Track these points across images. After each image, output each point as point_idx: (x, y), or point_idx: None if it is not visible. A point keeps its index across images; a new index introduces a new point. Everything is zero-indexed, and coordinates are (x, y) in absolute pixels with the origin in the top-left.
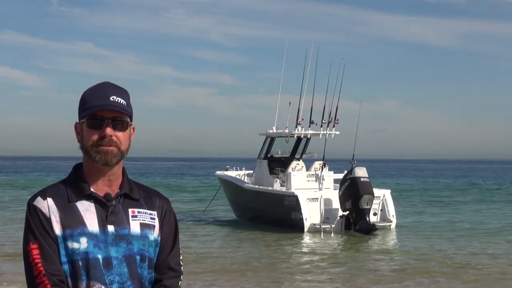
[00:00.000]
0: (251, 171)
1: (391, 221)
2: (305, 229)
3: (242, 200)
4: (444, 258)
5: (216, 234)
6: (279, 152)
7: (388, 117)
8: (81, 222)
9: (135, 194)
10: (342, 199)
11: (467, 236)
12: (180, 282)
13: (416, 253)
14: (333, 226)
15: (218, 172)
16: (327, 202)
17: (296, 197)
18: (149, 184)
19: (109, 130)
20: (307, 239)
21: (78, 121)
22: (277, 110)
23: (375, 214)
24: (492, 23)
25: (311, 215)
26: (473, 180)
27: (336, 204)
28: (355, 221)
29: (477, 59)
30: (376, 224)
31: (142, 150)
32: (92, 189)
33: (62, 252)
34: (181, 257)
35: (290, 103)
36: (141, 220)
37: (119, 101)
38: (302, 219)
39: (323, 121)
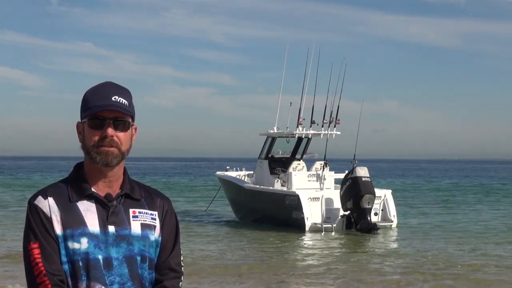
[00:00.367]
0: (252, 172)
1: (392, 221)
2: (306, 229)
3: (242, 200)
4: (444, 258)
5: (216, 234)
6: (280, 152)
7: (388, 117)
8: (82, 222)
9: (136, 194)
10: (343, 199)
11: (469, 237)
12: (180, 283)
13: (417, 254)
14: (334, 225)
15: (218, 173)
16: (328, 201)
17: (297, 196)
18: (152, 184)
19: (110, 131)
20: (308, 238)
21: (80, 120)
22: (278, 110)
23: (376, 214)
24: (492, 23)
25: (312, 214)
26: (475, 180)
27: (337, 203)
28: (356, 220)
29: (477, 59)
30: (377, 224)
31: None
32: (93, 189)
33: (63, 252)
34: (181, 258)
35: (291, 103)
36: (142, 221)
37: (121, 101)
38: (303, 218)
39: (324, 121)
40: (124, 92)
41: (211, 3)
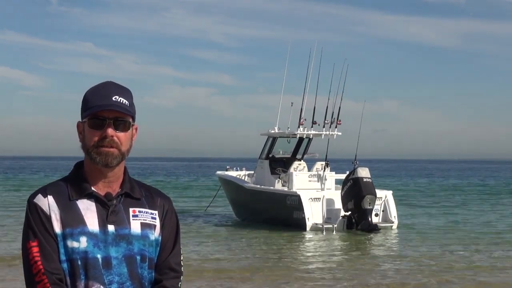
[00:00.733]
0: (252, 172)
1: (392, 222)
2: (307, 229)
3: (243, 200)
4: (446, 259)
5: (216, 235)
6: (281, 152)
7: (388, 117)
8: (81, 221)
9: (136, 193)
10: (344, 199)
11: (470, 238)
12: (180, 282)
13: (418, 255)
14: (335, 226)
15: (219, 172)
16: (329, 202)
17: (298, 196)
18: (152, 184)
19: (110, 131)
20: (309, 239)
21: (80, 120)
22: (279, 110)
23: (376, 215)
24: (492, 23)
25: (313, 215)
26: (477, 180)
27: (338, 204)
28: (357, 221)
29: (477, 59)
30: (378, 225)
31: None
32: (93, 188)
33: (62, 250)
34: (181, 258)
35: (292, 103)
36: (142, 220)
37: (121, 101)
38: (304, 218)
39: (326, 121)
40: (124, 92)
41: (211, 3)
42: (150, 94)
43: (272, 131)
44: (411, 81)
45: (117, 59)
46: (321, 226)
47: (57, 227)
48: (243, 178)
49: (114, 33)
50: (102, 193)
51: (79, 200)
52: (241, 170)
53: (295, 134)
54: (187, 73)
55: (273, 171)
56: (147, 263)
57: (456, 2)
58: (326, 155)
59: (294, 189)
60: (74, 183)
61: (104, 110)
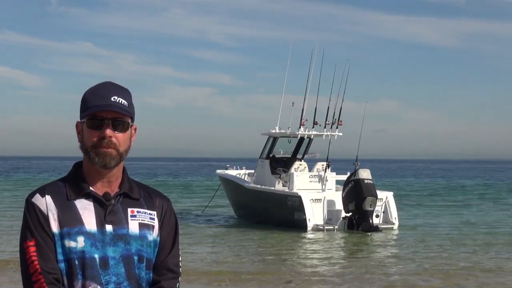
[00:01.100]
0: (252, 171)
1: (393, 223)
2: (308, 230)
3: (243, 199)
4: (447, 261)
5: (216, 235)
6: (282, 152)
7: (388, 117)
8: (79, 220)
9: (135, 193)
10: (345, 201)
11: (471, 239)
12: (178, 283)
13: (420, 255)
14: (336, 227)
15: (219, 171)
16: (330, 203)
17: (299, 197)
18: (152, 184)
19: (109, 131)
20: (310, 240)
21: (79, 120)
22: (280, 110)
23: (377, 216)
24: (492, 23)
25: (314, 216)
26: (479, 180)
27: (339, 205)
28: (358, 222)
29: (477, 59)
30: (379, 226)
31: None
32: (91, 188)
33: (59, 250)
34: (180, 258)
35: (293, 103)
36: (140, 220)
37: (120, 102)
38: (305, 219)
39: (327, 122)
40: (123, 92)
41: (211, 3)
42: (150, 94)
43: (273, 131)
44: (411, 81)
45: (117, 59)
46: (322, 227)
47: (55, 227)
48: (243, 177)
49: (114, 33)
50: (100, 193)
51: (77, 200)
52: (241, 169)
53: (297, 134)
54: (187, 73)
55: (273, 171)
56: (144, 263)
57: (456, 2)
58: (328, 156)
59: (295, 190)
60: (73, 183)
61: (102, 110)
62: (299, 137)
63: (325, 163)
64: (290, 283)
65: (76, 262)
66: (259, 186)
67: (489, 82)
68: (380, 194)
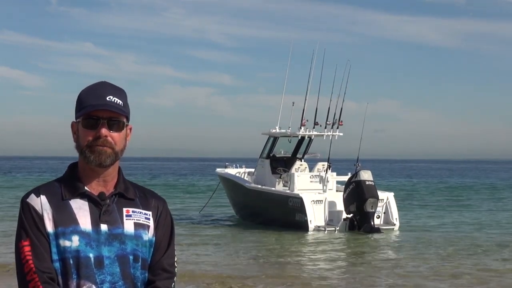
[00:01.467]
0: (252, 170)
1: (394, 224)
2: (310, 231)
3: (244, 199)
4: (449, 261)
5: (215, 235)
6: (282, 152)
7: (388, 117)
8: (73, 220)
9: (130, 193)
10: (347, 202)
11: (471, 239)
12: (173, 283)
13: (421, 256)
14: (337, 228)
15: (218, 170)
16: (331, 204)
17: (300, 199)
18: (151, 184)
19: (104, 131)
20: (312, 241)
21: (74, 120)
22: (280, 110)
23: (378, 217)
24: (492, 23)
25: (315, 217)
26: (481, 180)
27: (340, 206)
28: (359, 224)
29: (477, 59)
30: (380, 227)
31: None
32: (86, 188)
33: (54, 250)
34: (175, 259)
35: (293, 103)
36: (135, 220)
37: (115, 101)
38: (306, 221)
39: (328, 122)
40: (119, 92)
41: (211, 3)
42: (150, 94)
43: (274, 131)
44: (411, 81)
45: (117, 59)
46: (323, 228)
47: (49, 227)
48: (242, 176)
49: (113, 33)
50: (95, 193)
51: (72, 200)
52: (240, 167)
53: (297, 134)
54: (187, 73)
55: (274, 171)
56: (140, 263)
57: (456, 2)
58: (329, 157)
59: (295, 190)
60: (68, 183)
61: (98, 110)
62: (300, 137)
63: (325, 163)
64: (292, 286)
65: (71, 262)
66: (260, 186)
67: (489, 82)
68: (381, 194)
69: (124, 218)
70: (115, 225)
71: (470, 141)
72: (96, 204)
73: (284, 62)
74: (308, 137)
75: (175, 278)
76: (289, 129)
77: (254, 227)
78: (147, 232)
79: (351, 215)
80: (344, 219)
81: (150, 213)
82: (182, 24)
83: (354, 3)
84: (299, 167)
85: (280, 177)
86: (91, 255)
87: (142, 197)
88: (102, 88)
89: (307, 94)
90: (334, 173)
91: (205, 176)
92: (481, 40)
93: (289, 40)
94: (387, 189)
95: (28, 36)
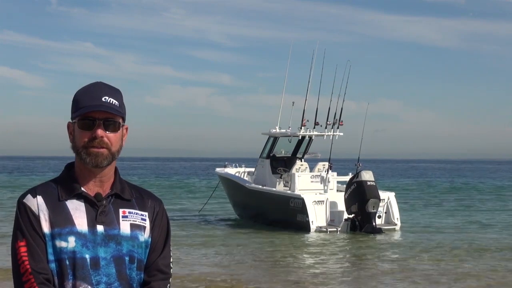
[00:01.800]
0: (252, 169)
1: (395, 224)
2: (311, 232)
3: (244, 199)
4: (451, 261)
5: (215, 236)
6: (283, 152)
7: (388, 117)
8: (70, 221)
9: (127, 194)
10: (348, 202)
11: (471, 239)
12: (168, 284)
13: (422, 257)
14: (339, 228)
15: (218, 169)
16: (332, 204)
17: (302, 199)
18: (151, 184)
19: (100, 131)
20: (314, 242)
21: (70, 120)
22: (280, 110)
23: (379, 216)
24: (492, 23)
25: (317, 218)
26: (482, 180)
27: (341, 206)
28: (361, 224)
29: (477, 59)
30: (382, 228)
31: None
32: (83, 189)
33: (50, 250)
34: (171, 260)
35: (293, 103)
36: (131, 221)
37: (111, 102)
38: (308, 221)
39: (328, 122)
40: (115, 92)
41: (211, 3)
42: (150, 94)
43: (274, 131)
44: (411, 81)
45: (116, 59)
46: (325, 229)
47: (46, 227)
48: (242, 175)
49: (113, 33)
50: (92, 193)
51: (68, 201)
52: (240, 167)
53: (298, 135)
54: (187, 73)
55: (274, 171)
56: (135, 264)
57: (456, 2)
58: (330, 157)
59: (296, 190)
60: (64, 183)
61: (94, 110)
62: (300, 137)
63: (326, 164)
64: None
65: (67, 262)
66: (261, 186)
67: (489, 81)
68: (382, 194)
69: (121, 219)
70: (112, 226)
71: (470, 141)
72: (93, 205)
73: (284, 62)
74: (308, 137)
75: (170, 279)
76: (289, 129)
77: (254, 228)
78: (143, 233)
79: (353, 215)
80: (346, 220)
81: (146, 214)
82: (182, 24)
83: (354, 3)
84: (299, 167)
85: (280, 177)
86: (87, 256)
87: (138, 197)
88: (97, 88)
89: (307, 94)
90: (335, 173)
91: (204, 176)
92: (481, 40)
93: (289, 40)
94: (387, 189)
95: (28, 36)
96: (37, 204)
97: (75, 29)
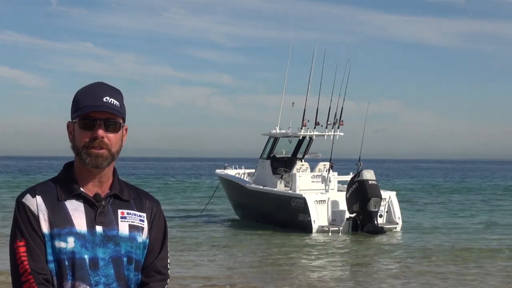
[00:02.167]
0: (253, 170)
1: (397, 223)
2: (313, 232)
3: (245, 200)
4: (453, 262)
5: (216, 237)
6: (284, 153)
7: (388, 117)
8: (69, 221)
9: (125, 195)
10: (350, 202)
11: (475, 240)
12: (166, 286)
13: (425, 258)
14: (341, 228)
15: (218, 171)
16: (334, 204)
17: (304, 199)
18: (151, 184)
19: (101, 132)
20: (316, 242)
21: (70, 120)
22: (280, 110)
23: (380, 216)
24: (492, 23)
25: (318, 217)
26: (482, 180)
27: (342, 206)
28: (362, 223)
29: (477, 59)
30: (383, 227)
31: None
32: (82, 189)
33: (49, 251)
34: (168, 261)
35: (293, 103)
36: (130, 222)
37: (112, 102)
38: (310, 221)
39: (328, 122)
40: (115, 93)
41: (211, 3)
42: (150, 94)
43: (274, 131)
44: (411, 81)
45: (116, 59)
46: (327, 228)
47: (45, 227)
48: (242, 176)
49: (113, 33)
50: (91, 194)
51: (67, 201)
52: (239, 168)
53: (298, 135)
54: (187, 73)
55: (274, 171)
56: (133, 265)
57: (456, 2)
58: (331, 157)
59: (297, 190)
60: (63, 183)
61: (95, 111)
62: (301, 137)
63: (327, 163)
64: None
65: (66, 263)
66: (261, 186)
67: (489, 81)
68: (383, 193)
69: (119, 219)
70: (110, 226)
71: (470, 140)
72: (92, 205)
73: (284, 62)
74: (309, 137)
75: (168, 280)
76: (289, 129)
77: (256, 228)
78: (141, 234)
79: (354, 214)
80: (347, 219)
81: (144, 215)
82: (182, 24)
83: (354, 3)
84: (300, 168)
85: (281, 178)
86: (86, 256)
87: (137, 198)
88: (98, 89)
89: (307, 94)
90: (336, 173)
91: (205, 176)
92: (481, 40)
93: (289, 40)
94: (389, 188)
95: (28, 36)
96: (37, 204)
97: (75, 29)
